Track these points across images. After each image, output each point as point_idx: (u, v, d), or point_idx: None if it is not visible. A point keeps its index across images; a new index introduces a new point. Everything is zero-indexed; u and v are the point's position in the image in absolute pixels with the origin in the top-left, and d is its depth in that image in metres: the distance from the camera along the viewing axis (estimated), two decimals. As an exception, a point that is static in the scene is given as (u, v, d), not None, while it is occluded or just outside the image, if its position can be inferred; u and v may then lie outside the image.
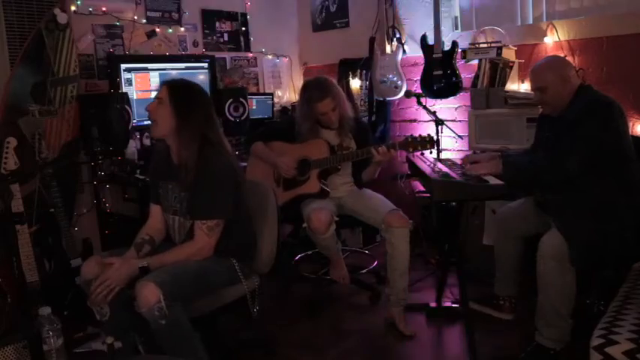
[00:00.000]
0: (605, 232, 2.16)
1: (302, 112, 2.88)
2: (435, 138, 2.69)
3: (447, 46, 3.49)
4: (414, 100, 3.53)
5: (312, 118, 2.84)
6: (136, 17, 3.67)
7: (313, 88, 2.83)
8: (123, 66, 3.43)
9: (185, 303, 1.93)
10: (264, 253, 2.30)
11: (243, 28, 4.34)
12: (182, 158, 2.10)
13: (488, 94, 3.28)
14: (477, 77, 3.42)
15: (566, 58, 2.95)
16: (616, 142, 2.22)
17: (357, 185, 2.98)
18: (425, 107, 3.30)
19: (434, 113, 3.28)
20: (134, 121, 3.30)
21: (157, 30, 3.80)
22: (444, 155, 3.45)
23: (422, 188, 3.34)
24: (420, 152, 2.67)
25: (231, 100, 3.81)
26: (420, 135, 2.61)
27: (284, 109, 4.46)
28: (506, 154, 2.72)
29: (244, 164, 3.11)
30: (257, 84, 4.46)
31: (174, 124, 2.08)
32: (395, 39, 3.92)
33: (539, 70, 2.40)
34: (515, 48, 3.37)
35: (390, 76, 3.83)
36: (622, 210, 2.20)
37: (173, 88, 2.13)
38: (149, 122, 2.19)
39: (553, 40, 3.26)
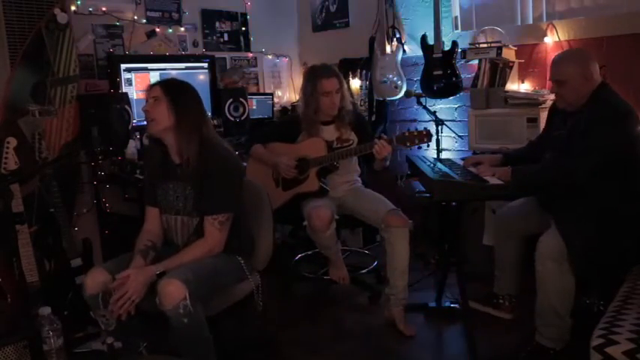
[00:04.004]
0: (604, 238, 2.15)
1: (305, 94, 2.85)
2: (435, 138, 2.69)
3: (447, 46, 3.49)
4: (414, 100, 3.53)
5: (314, 100, 2.80)
6: (136, 17, 3.67)
7: (319, 68, 2.87)
8: (123, 66, 3.43)
9: (204, 302, 1.94)
10: (261, 250, 2.32)
11: (243, 28, 4.33)
12: (185, 154, 2.09)
13: (488, 94, 3.28)
14: (476, 77, 3.42)
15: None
16: (628, 151, 2.19)
17: (364, 175, 2.99)
18: (425, 107, 3.30)
19: (434, 113, 3.28)
20: (134, 121, 3.30)
21: (157, 30, 3.80)
22: (444, 155, 3.45)
23: (422, 188, 3.34)
24: (418, 146, 2.67)
25: (231, 100, 3.81)
26: (417, 129, 2.61)
27: (284, 109, 4.46)
28: (507, 154, 2.72)
29: (244, 164, 3.11)
30: (257, 84, 4.46)
31: (173, 120, 2.09)
32: (395, 39, 3.91)
33: (561, 63, 2.31)
34: (515, 48, 3.37)
35: (390, 76, 3.83)
36: (623, 217, 2.18)
37: (166, 85, 2.15)
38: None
39: (553, 40, 3.26)
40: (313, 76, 2.83)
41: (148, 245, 2.14)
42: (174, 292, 1.84)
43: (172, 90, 2.13)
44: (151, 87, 2.17)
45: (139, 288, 1.92)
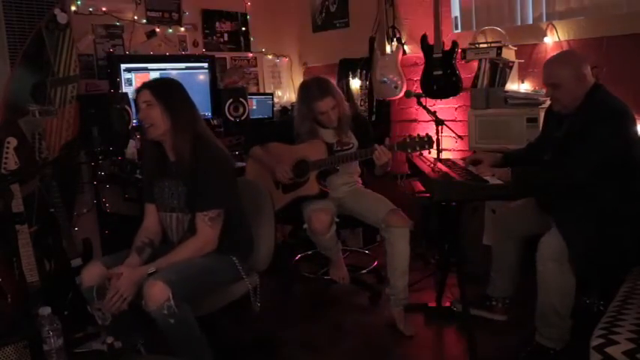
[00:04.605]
0: (605, 238, 2.15)
1: (301, 111, 2.85)
2: (435, 138, 2.68)
3: (447, 46, 3.49)
4: (414, 100, 3.53)
5: (311, 118, 2.82)
6: (136, 17, 3.67)
7: (313, 87, 2.80)
8: (123, 66, 3.43)
9: (192, 302, 1.94)
10: (262, 250, 2.31)
11: (243, 28, 4.34)
12: (179, 153, 2.11)
13: (488, 94, 3.28)
14: (476, 77, 3.42)
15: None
16: (627, 151, 2.19)
17: (366, 176, 2.98)
18: (425, 107, 3.30)
19: (434, 113, 3.28)
20: (134, 121, 3.30)
21: (157, 30, 3.80)
22: (444, 155, 3.45)
23: (422, 188, 3.33)
24: (419, 153, 2.67)
25: (231, 100, 3.82)
26: (418, 135, 2.60)
27: (284, 109, 4.46)
28: (507, 154, 2.72)
29: (243, 164, 3.11)
30: (257, 84, 4.46)
31: (169, 122, 2.11)
32: (395, 39, 3.92)
33: (554, 66, 2.31)
34: (515, 48, 3.36)
35: (390, 76, 3.83)
36: (624, 218, 2.18)
37: (154, 88, 2.15)
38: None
39: (553, 40, 3.26)
40: (307, 99, 2.79)
41: (145, 242, 2.17)
42: (157, 294, 1.85)
43: (162, 92, 2.13)
44: (139, 91, 2.16)
45: (130, 287, 1.95)
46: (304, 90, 2.86)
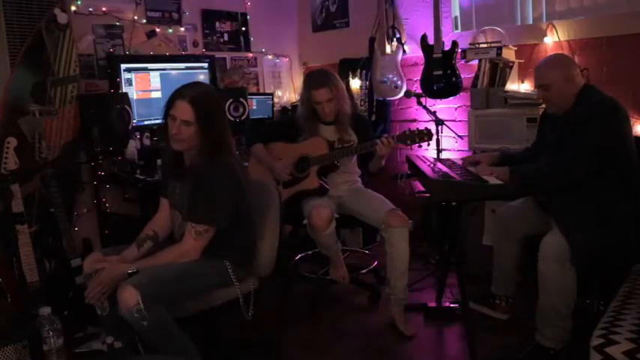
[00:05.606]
0: (607, 236, 2.16)
1: (302, 98, 2.93)
2: (435, 138, 2.69)
3: (447, 46, 3.49)
4: (414, 100, 3.53)
5: (309, 107, 2.87)
6: (136, 17, 3.68)
7: (313, 77, 2.90)
8: (123, 66, 3.43)
9: (169, 304, 1.93)
10: (265, 255, 2.28)
11: (243, 28, 4.34)
12: (195, 163, 2.11)
13: (488, 94, 3.28)
14: (476, 77, 3.42)
15: (567, 58, 2.93)
16: (621, 147, 2.21)
17: (366, 176, 3.02)
18: (425, 107, 3.30)
19: (434, 113, 3.28)
20: (134, 121, 3.30)
21: (157, 30, 3.80)
22: (444, 155, 3.45)
23: (422, 188, 3.33)
24: (418, 145, 2.68)
25: (231, 100, 3.82)
26: (417, 128, 2.63)
27: (284, 109, 4.46)
28: (505, 153, 2.72)
29: (245, 164, 3.11)
30: (257, 84, 4.46)
31: (199, 141, 2.08)
32: (395, 39, 3.92)
33: (544, 68, 2.37)
34: (515, 48, 3.37)
35: (390, 76, 3.83)
36: (625, 214, 2.19)
37: (199, 106, 2.03)
38: (149, 122, 2.19)
39: (553, 40, 3.26)
40: (307, 86, 2.88)
41: (149, 235, 2.20)
42: (127, 298, 1.85)
43: (205, 114, 2.04)
44: (178, 99, 2.05)
45: (108, 281, 1.97)
46: (307, 78, 2.98)
